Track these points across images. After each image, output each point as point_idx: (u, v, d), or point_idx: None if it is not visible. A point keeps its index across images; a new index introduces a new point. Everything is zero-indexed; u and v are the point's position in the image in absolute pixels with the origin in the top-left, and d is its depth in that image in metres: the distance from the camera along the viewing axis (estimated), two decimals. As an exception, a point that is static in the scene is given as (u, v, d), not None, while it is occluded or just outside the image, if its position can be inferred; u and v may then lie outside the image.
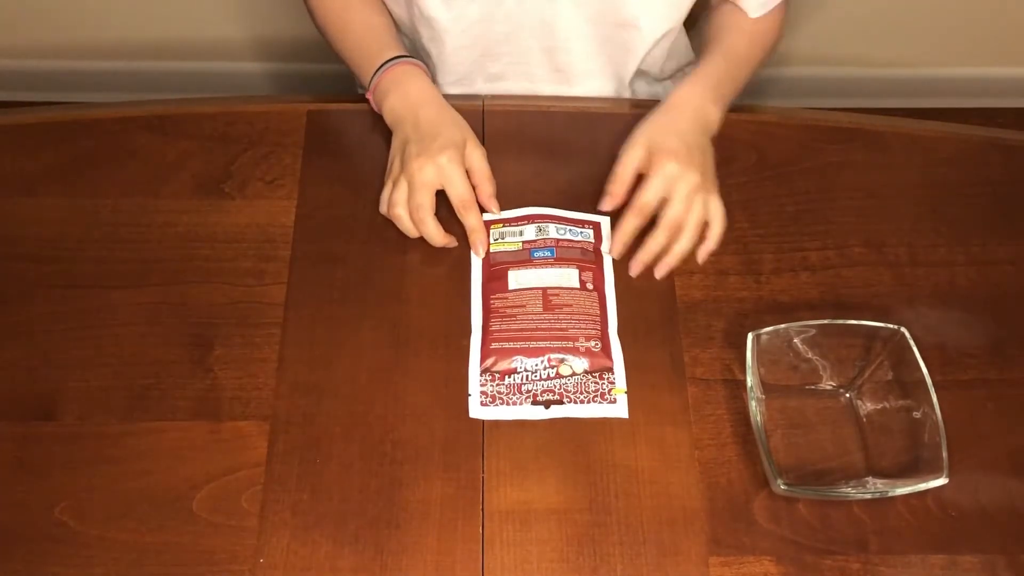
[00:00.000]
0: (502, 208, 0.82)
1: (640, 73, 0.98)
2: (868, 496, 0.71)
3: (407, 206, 0.79)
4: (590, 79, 0.96)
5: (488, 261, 0.80)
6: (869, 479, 0.72)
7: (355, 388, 0.74)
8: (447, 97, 0.85)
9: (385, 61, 0.85)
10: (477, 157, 0.80)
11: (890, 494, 0.69)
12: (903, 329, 0.72)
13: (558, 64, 0.94)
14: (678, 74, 1.05)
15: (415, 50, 0.96)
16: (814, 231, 0.84)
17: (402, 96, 0.83)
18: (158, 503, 0.69)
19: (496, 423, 0.73)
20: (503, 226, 0.81)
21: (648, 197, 0.79)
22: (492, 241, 0.81)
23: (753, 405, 0.70)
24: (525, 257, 0.79)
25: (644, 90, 1.03)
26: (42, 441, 0.71)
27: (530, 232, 0.81)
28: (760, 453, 0.70)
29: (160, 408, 0.73)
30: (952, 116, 1.39)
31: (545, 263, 0.79)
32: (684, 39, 1.01)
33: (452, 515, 0.69)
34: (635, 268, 0.80)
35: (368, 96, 0.87)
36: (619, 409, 0.74)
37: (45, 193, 0.83)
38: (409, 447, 0.72)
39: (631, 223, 0.79)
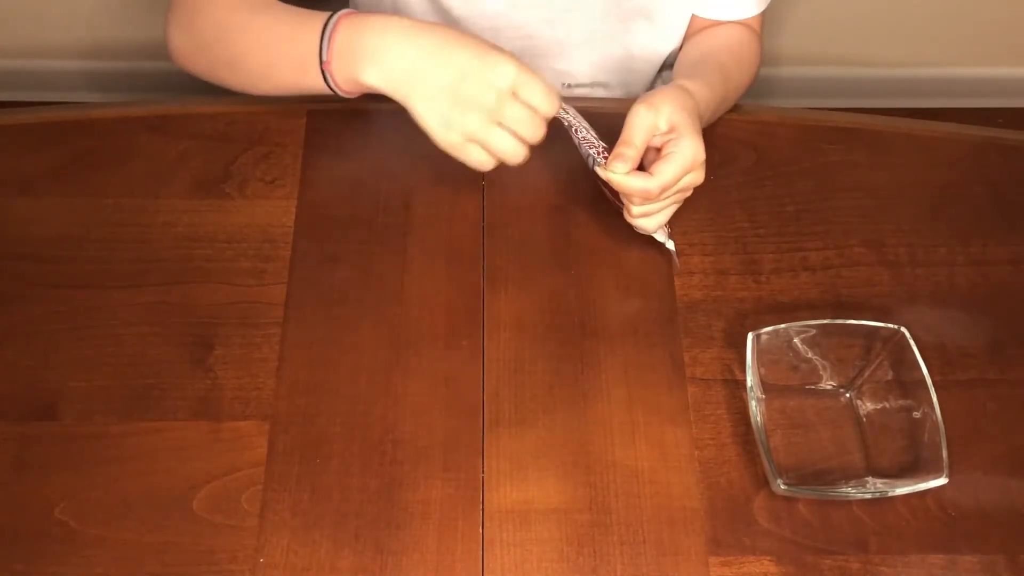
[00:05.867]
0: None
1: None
2: (868, 496, 0.71)
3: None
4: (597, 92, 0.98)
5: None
6: (869, 479, 0.72)
7: (355, 388, 0.74)
8: None
9: (323, 25, 0.73)
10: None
11: (890, 494, 0.69)
12: (903, 329, 0.72)
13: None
14: None
15: None
16: (814, 231, 0.84)
17: (387, 43, 0.71)
18: (158, 503, 0.69)
19: (496, 422, 0.73)
20: None
21: (668, 180, 0.72)
22: None
23: (753, 405, 0.70)
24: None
25: None
26: (42, 441, 0.71)
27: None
28: (760, 453, 0.70)
29: (160, 408, 0.73)
30: (952, 116, 1.38)
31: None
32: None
33: (452, 515, 0.69)
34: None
35: (331, 80, 0.75)
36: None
37: (45, 193, 0.83)
38: (409, 447, 0.72)
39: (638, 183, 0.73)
